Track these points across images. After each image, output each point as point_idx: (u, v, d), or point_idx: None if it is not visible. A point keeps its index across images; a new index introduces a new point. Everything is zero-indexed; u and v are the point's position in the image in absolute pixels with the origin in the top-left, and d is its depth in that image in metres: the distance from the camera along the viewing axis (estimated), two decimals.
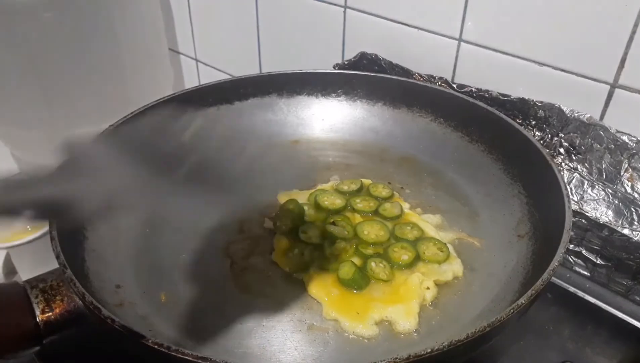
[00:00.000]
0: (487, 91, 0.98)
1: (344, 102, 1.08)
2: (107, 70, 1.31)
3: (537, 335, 0.82)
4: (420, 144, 1.02)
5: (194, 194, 0.93)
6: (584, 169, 0.89)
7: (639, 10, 0.81)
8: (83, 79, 1.26)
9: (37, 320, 0.63)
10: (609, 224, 0.85)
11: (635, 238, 0.83)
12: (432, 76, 1.05)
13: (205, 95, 1.03)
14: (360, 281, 0.76)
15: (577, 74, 0.90)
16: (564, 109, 0.90)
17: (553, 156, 0.91)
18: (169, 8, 1.61)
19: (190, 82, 1.73)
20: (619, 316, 0.83)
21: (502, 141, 0.92)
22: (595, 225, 0.87)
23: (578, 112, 0.89)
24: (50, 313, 0.63)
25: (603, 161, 0.87)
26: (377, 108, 1.07)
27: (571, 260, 0.92)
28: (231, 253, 0.83)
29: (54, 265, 0.65)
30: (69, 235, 0.70)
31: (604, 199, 0.87)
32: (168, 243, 0.85)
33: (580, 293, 0.86)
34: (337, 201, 0.89)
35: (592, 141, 0.88)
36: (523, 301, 0.59)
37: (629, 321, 0.82)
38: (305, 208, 0.88)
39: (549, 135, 0.93)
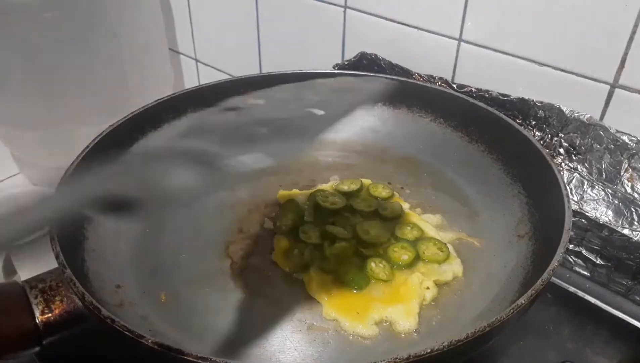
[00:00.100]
0: (487, 91, 0.98)
1: None
2: (107, 70, 1.31)
3: (537, 335, 0.82)
4: (420, 144, 1.02)
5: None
6: (584, 169, 0.89)
7: (639, 10, 0.81)
8: (83, 79, 1.26)
9: (37, 321, 0.63)
10: (609, 225, 0.85)
11: (635, 238, 0.83)
12: (432, 76, 1.05)
13: (205, 95, 1.02)
14: (360, 281, 0.76)
15: (577, 74, 0.90)
16: (564, 109, 0.90)
17: (553, 156, 0.91)
18: (169, 8, 1.61)
19: (190, 82, 1.73)
20: (619, 316, 0.83)
21: (502, 141, 0.92)
22: (595, 225, 0.87)
23: (578, 113, 0.89)
24: (50, 314, 0.63)
25: (603, 161, 0.87)
26: (377, 108, 1.06)
27: (571, 260, 0.92)
28: (231, 253, 0.83)
29: (54, 264, 0.65)
30: (69, 235, 0.70)
31: (604, 199, 0.87)
32: (168, 243, 0.85)
33: (580, 293, 0.86)
34: (337, 201, 0.89)
35: (592, 141, 0.88)
36: (523, 302, 0.59)
37: (629, 321, 0.82)
38: (305, 208, 0.88)
39: (549, 135, 0.93)
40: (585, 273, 0.91)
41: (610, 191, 0.86)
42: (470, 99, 0.96)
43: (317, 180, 0.98)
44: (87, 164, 0.81)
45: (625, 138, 0.85)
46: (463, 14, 0.99)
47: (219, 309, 0.74)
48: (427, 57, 1.07)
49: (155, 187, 0.60)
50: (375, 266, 0.78)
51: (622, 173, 0.86)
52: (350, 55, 1.16)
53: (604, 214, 0.86)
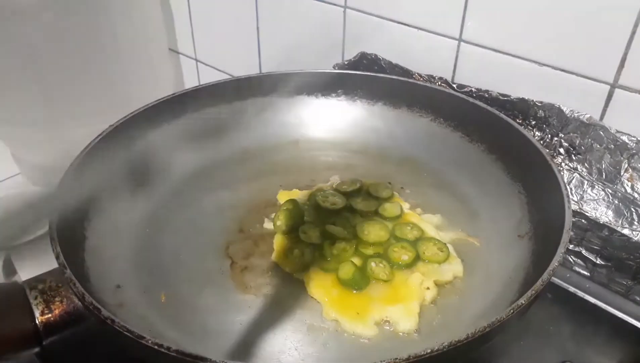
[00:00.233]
0: (487, 91, 0.98)
1: (344, 102, 1.08)
2: (107, 70, 1.31)
3: (537, 335, 0.82)
4: (420, 144, 1.02)
5: (194, 194, 0.93)
6: (584, 169, 0.89)
7: (639, 10, 0.81)
8: (83, 79, 1.26)
9: (37, 321, 0.63)
10: (609, 225, 0.85)
11: (635, 238, 0.83)
12: (432, 76, 1.05)
13: (205, 95, 1.02)
14: (360, 281, 0.76)
15: (577, 74, 0.90)
16: (564, 109, 0.90)
17: (553, 156, 0.91)
18: (169, 8, 1.61)
19: (190, 82, 1.73)
20: (619, 316, 0.83)
21: (502, 141, 0.92)
22: (595, 225, 0.87)
23: (578, 113, 0.89)
24: (50, 315, 0.63)
25: (603, 161, 0.87)
26: (377, 108, 1.06)
27: (571, 260, 0.92)
28: (231, 253, 0.83)
29: (55, 264, 0.65)
30: (69, 236, 0.70)
31: (603, 199, 0.87)
32: (168, 243, 0.85)
33: (580, 293, 0.86)
34: (337, 201, 0.89)
35: (592, 141, 0.88)
36: (523, 302, 0.59)
37: (629, 321, 0.82)
38: (305, 208, 0.88)
39: (549, 135, 0.93)
40: (585, 273, 0.91)
41: (610, 191, 0.86)
42: (471, 99, 0.96)
43: (317, 180, 0.98)
44: (87, 164, 0.82)
45: (625, 138, 0.85)
46: (463, 14, 0.99)
47: (218, 309, 0.74)
48: (427, 57, 1.07)
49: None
50: (375, 266, 0.78)
51: (622, 173, 0.86)
52: (350, 55, 1.16)
53: (604, 214, 0.86)
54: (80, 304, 0.63)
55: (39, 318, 0.63)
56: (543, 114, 0.93)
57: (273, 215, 0.88)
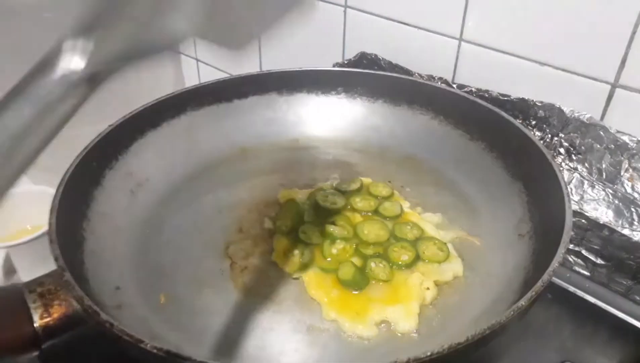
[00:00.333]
0: (487, 91, 0.97)
1: (344, 100, 1.08)
2: None
3: (537, 335, 0.82)
4: (420, 142, 1.02)
5: (194, 194, 0.93)
6: (584, 169, 0.89)
7: None
8: None
9: (36, 325, 0.63)
10: (609, 225, 0.85)
11: (635, 238, 0.83)
12: (432, 77, 1.05)
13: (204, 93, 1.02)
14: (360, 281, 0.76)
15: (577, 74, 0.90)
16: (564, 109, 0.90)
17: (553, 156, 0.91)
18: None
19: (191, 81, 1.72)
20: (619, 316, 0.83)
21: (502, 139, 0.91)
22: (595, 225, 0.87)
23: (578, 113, 0.89)
24: (49, 318, 0.63)
25: (603, 161, 0.87)
26: (377, 106, 1.06)
27: (571, 260, 0.92)
28: (231, 253, 0.83)
29: (54, 264, 0.65)
30: (68, 237, 0.70)
31: (604, 200, 0.87)
32: (168, 243, 0.85)
33: (580, 293, 0.86)
34: (337, 201, 0.89)
35: (592, 141, 0.88)
36: (523, 303, 0.59)
37: (629, 321, 0.82)
38: (305, 207, 0.88)
39: (549, 135, 0.92)
40: (586, 273, 0.91)
41: (611, 191, 0.86)
42: (471, 97, 0.96)
43: (317, 179, 0.97)
44: (87, 164, 0.82)
45: (625, 138, 0.85)
46: (464, 13, 0.99)
47: (218, 310, 0.74)
48: (428, 56, 1.07)
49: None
50: (375, 266, 0.78)
51: (622, 173, 0.85)
52: (350, 54, 1.15)
53: (604, 214, 0.86)
54: (79, 307, 0.63)
55: (38, 322, 0.63)
56: (543, 114, 0.93)
57: (273, 215, 0.88)
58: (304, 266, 0.79)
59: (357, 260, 0.79)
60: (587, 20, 0.86)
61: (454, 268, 0.79)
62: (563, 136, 0.91)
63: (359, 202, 0.90)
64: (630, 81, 0.86)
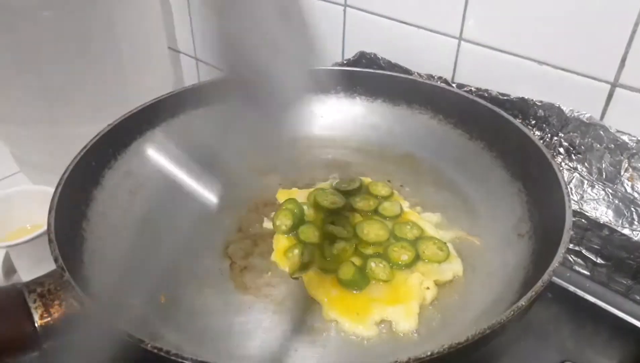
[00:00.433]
0: (486, 90, 0.97)
1: (343, 99, 1.08)
2: (107, 69, 1.30)
3: (537, 335, 0.82)
4: (420, 141, 1.02)
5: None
6: (584, 169, 0.89)
7: None
8: (83, 78, 1.26)
9: (36, 325, 0.62)
10: (609, 224, 0.85)
11: (635, 238, 0.83)
12: (431, 76, 1.05)
13: (203, 93, 1.02)
14: (360, 281, 0.76)
15: (577, 73, 0.90)
16: (564, 108, 0.90)
17: (553, 156, 0.91)
18: (169, 7, 1.61)
19: (191, 81, 1.73)
20: (619, 315, 0.83)
21: (502, 138, 0.91)
22: (595, 225, 0.87)
23: (578, 112, 0.89)
24: (49, 319, 0.63)
25: (603, 161, 0.87)
26: (377, 105, 1.06)
27: (571, 260, 0.92)
28: (231, 253, 0.83)
29: (54, 264, 0.65)
30: (68, 237, 0.70)
31: (604, 199, 0.87)
32: (167, 243, 0.84)
33: (580, 293, 0.86)
34: (337, 201, 0.89)
35: (592, 141, 0.88)
36: (523, 303, 0.59)
37: (629, 320, 0.82)
38: (305, 207, 0.88)
39: (549, 135, 0.92)
40: (586, 272, 0.91)
41: (611, 191, 0.86)
42: (471, 96, 0.96)
43: (317, 178, 0.97)
44: (86, 163, 0.82)
45: (625, 138, 0.85)
46: (463, 12, 0.99)
47: (218, 310, 0.74)
48: (427, 56, 1.07)
49: None
50: (375, 266, 0.78)
51: (622, 173, 0.85)
52: (350, 54, 1.15)
53: (604, 214, 0.86)
54: (79, 307, 0.63)
55: (38, 322, 0.62)
56: (543, 114, 0.93)
57: (272, 215, 0.88)
58: (304, 266, 0.79)
59: (357, 260, 0.79)
60: (587, 20, 0.86)
61: (453, 267, 0.79)
62: (563, 135, 0.91)
63: (358, 202, 0.89)
64: (630, 80, 0.86)
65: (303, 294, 0.76)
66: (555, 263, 0.63)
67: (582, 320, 0.84)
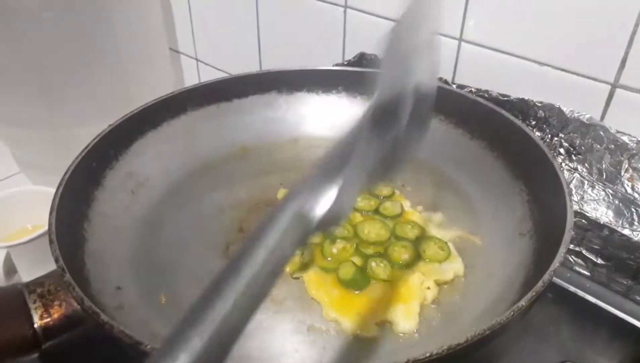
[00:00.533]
0: (486, 91, 0.97)
1: (344, 98, 1.08)
2: (107, 70, 1.30)
3: (537, 335, 0.82)
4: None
5: (194, 194, 0.93)
6: (584, 170, 0.89)
7: None
8: (83, 79, 1.26)
9: (36, 326, 0.63)
10: (609, 225, 0.85)
11: (636, 238, 0.83)
12: None
13: (204, 93, 1.02)
14: (361, 281, 0.76)
15: (577, 74, 0.90)
16: (564, 109, 0.90)
17: (553, 156, 0.91)
18: (169, 7, 1.61)
19: (191, 81, 1.71)
20: (619, 316, 0.83)
21: (503, 138, 0.91)
22: (596, 225, 0.87)
23: (578, 113, 0.89)
24: (49, 319, 0.63)
25: (603, 162, 0.87)
26: None
27: (571, 260, 0.92)
28: (231, 253, 0.82)
29: (54, 265, 0.65)
30: (69, 238, 0.70)
31: (604, 200, 0.87)
32: (168, 243, 0.84)
33: (580, 293, 0.86)
34: None
35: (592, 142, 0.88)
36: (523, 304, 0.59)
37: (629, 321, 0.82)
38: None
39: (549, 135, 0.92)
40: (586, 272, 0.91)
41: (611, 192, 0.86)
42: (472, 96, 0.96)
43: None
44: (88, 164, 0.82)
45: (625, 138, 0.85)
46: (464, 13, 0.99)
47: None
48: None
49: None
50: (376, 265, 0.78)
51: (622, 173, 0.85)
52: (350, 55, 1.15)
53: (604, 214, 0.86)
54: (79, 308, 0.63)
55: (38, 323, 0.63)
56: (543, 114, 0.92)
57: None
58: (304, 266, 0.79)
59: (357, 260, 0.79)
60: (587, 20, 0.86)
61: (454, 267, 0.79)
62: (563, 136, 0.91)
63: (359, 201, 0.89)
64: (630, 81, 0.86)
65: (303, 294, 0.76)
66: (556, 263, 0.63)
67: (583, 320, 0.84)
